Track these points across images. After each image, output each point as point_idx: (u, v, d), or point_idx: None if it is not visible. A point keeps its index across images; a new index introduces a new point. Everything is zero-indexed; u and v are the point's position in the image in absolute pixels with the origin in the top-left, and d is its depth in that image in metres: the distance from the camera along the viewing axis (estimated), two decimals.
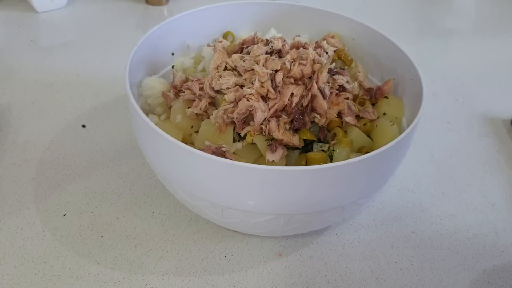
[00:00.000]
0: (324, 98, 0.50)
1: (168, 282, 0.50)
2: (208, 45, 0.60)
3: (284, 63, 0.50)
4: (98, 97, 0.76)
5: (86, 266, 0.52)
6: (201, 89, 0.53)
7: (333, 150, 0.49)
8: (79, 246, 0.54)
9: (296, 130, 0.50)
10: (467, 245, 0.57)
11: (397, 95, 0.59)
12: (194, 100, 0.53)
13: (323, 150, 0.50)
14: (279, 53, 0.53)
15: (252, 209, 0.45)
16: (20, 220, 0.56)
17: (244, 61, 0.52)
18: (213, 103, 0.53)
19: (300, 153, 0.51)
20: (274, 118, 0.49)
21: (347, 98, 0.53)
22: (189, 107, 0.53)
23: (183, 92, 0.54)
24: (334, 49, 0.59)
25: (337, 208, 0.47)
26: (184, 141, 0.52)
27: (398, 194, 0.63)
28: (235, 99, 0.49)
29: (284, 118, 0.49)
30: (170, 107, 0.55)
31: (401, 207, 0.61)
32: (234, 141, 0.50)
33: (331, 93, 0.52)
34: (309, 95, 0.49)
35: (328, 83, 0.52)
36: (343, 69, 0.56)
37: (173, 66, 0.63)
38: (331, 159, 0.49)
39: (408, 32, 1.03)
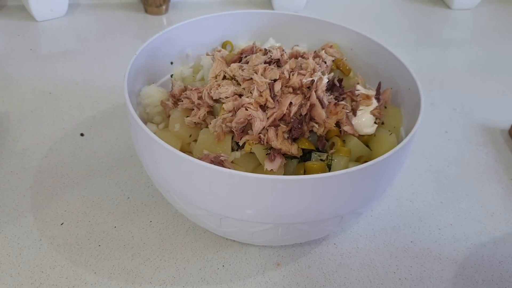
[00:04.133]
0: (323, 107, 0.50)
1: None
2: (207, 54, 0.60)
3: (283, 73, 0.50)
4: (97, 105, 0.77)
5: (83, 276, 0.51)
6: (200, 98, 0.53)
7: (331, 159, 0.49)
8: (76, 255, 0.53)
9: (294, 139, 0.50)
10: (465, 255, 0.56)
11: (395, 104, 0.59)
12: (193, 109, 0.53)
13: (321, 159, 0.50)
14: (278, 63, 0.54)
15: (250, 218, 0.45)
16: (17, 229, 0.56)
17: (242, 70, 0.52)
18: (212, 112, 0.53)
19: (298, 162, 0.51)
20: (273, 127, 0.49)
21: (345, 108, 0.53)
22: (187, 116, 0.53)
23: (182, 101, 0.54)
24: (333, 58, 0.60)
25: (335, 217, 0.47)
26: (183, 150, 0.51)
27: (397, 203, 0.63)
28: (234, 108, 0.50)
29: (283, 127, 0.49)
30: (169, 116, 0.55)
31: (400, 217, 0.61)
32: (233, 150, 0.50)
33: (329, 102, 0.52)
34: (308, 104, 0.50)
35: (327, 92, 0.52)
36: (341, 79, 0.56)
37: (172, 75, 0.63)
38: (329, 168, 0.49)
39: (406, 42, 1.04)
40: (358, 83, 0.59)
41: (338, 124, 0.53)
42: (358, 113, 0.53)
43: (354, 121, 0.53)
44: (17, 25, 0.99)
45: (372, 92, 0.55)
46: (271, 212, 0.44)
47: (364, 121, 0.53)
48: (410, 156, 0.54)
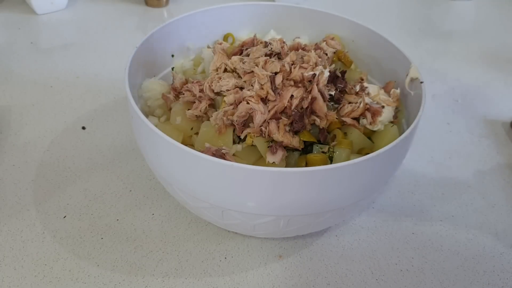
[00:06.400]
0: (324, 100, 0.50)
1: (168, 284, 0.50)
2: (208, 47, 0.60)
3: (284, 66, 0.50)
4: (98, 99, 0.77)
5: (86, 268, 0.52)
6: (201, 91, 0.53)
7: (333, 152, 0.49)
8: (79, 248, 0.54)
9: (296, 132, 0.50)
10: (467, 246, 0.57)
11: None
12: (194, 102, 0.53)
13: (323, 152, 0.50)
14: (279, 55, 0.53)
15: (252, 211, 0.45)
16: (20, 222, 0.56)
17: (243, 63, 0.52)
18: (213, 105, 0.53)
19: (300, 155, 0.51)
20: (274, 120, 0.49)
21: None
22: (189, 109, 0.53)
23: (183, 94, 0.54)
24: (334, 50, 0.59)
25: (337, 209, 0.47)
26: (184, 143, 0.51)
27: (398, 195, 0.63)
28: (235, 101, 0.50)
29: (284, 120, 0.49)
30: (170, 109, 0.55)
31: (401, 208, 0.61)
32: (234, 143, 0.50)
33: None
34: (309, 97, 0.49)
35: (328, 86, 0.52)
36: (345, 71, 0.56)
37: (173, 68, 0.63)
38: (331, 160, 0.49)
39: (408, 34, 1.03)
40: (380, 93, 0.58)
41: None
42: (384, 110, 0.53)
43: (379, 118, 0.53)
44: (18, 19, 0.98)
45: (388, 98, 0.55)
46: (272, 204, 0.44)
47: (384, 119, 0.53)
48: (411, 148, 0.53)
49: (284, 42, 0.55)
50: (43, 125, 0.70)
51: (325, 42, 0.61)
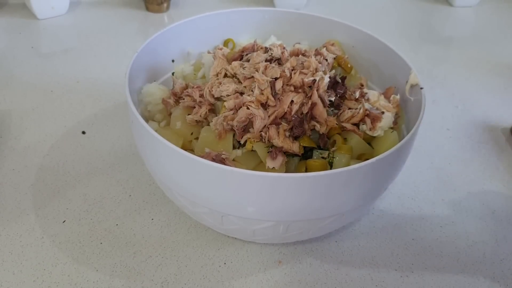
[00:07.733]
0: (324, 106, 0.50)
1: None
2: (208, 52, 0.60)
3: (284, 71, 0.50)
4: (98, 103, 0.77)
5: (85, 273, 0.51)
6: (201, 96, 0.53)
7: (333, 157, 0.49)
8: (78, 253, 0.53)
9: (295, 137, 0.50)
10: (467, 253, 0.56)
11: None
12: (194, 107, 0.53)
13: (323, 157, 0.50)
14: (279, 61, 0.54)
15: (252, 216, 0.45)
16: (19, 226, 0.56)
17: (243, 68, 0.52)
18: (213, 110, 0.54)
19: (300, 160, 0.51)
20: (274, 125, 0.49)
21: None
22: (189, 114, 0.53)
23: (183, 99, 0.54)
24: (334, 56, 0.60)
25: (337, 215, 0.47)
26: (184, 147, 0.52)
27: (398, 201, 0.63)
28: (235, 106, 0.50)
29: (284, 125, 0.49)
30: (170, 114, 0.55)
31: (401, 214, 0.61)
32: (234, 148, 0.50)
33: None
34: (309, 103, 0.49)
35: (328, 91, 0.52)
36: (345, 77, 0.56)
37: (173, 73, 0.63)
38: (331, 166, 0.49)
39: (408, 39, 1.03)
40: (378, 99, 0.58)
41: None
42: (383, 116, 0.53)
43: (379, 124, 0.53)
44: (18, 23, 0.99)
45: (388, 104, 0.55)
46: (272, 209, 0.44)
47: (384, 124, 0.53)
48: (411, 153, 0.53)
49: (284, 48, 0.55)
50: (43, 129, 0.70)
51: (325, 48, 0.61)
